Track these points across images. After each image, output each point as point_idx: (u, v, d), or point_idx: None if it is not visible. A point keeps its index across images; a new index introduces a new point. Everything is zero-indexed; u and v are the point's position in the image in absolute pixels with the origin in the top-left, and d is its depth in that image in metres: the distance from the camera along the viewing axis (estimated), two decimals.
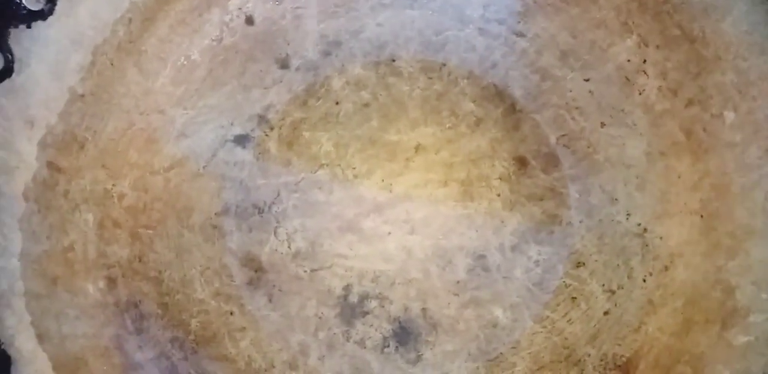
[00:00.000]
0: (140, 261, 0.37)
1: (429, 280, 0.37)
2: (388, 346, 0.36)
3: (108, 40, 0.36)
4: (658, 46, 0.36)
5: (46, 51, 0.35)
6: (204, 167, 0.37)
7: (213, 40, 0.38)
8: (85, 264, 0.37)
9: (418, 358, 0.37)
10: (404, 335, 0.37)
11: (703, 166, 0.36)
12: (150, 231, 0.37)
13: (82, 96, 0.36)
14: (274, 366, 0.37)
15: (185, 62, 0.37)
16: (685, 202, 0.36)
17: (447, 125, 0.37)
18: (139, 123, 0.37)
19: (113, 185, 0.37)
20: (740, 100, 0.36)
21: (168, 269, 0.37)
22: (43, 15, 0.35)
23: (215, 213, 0.37)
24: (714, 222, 0.36)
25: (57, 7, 0.35)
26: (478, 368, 0.37)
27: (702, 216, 0.36)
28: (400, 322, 0.36)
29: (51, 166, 0.36)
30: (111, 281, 0.37)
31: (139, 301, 0.37)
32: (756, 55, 0.35)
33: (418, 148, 0.37)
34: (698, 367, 0.35)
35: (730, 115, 0.36)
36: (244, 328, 0.37)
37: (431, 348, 0.37)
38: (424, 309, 0.37)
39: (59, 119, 0.36)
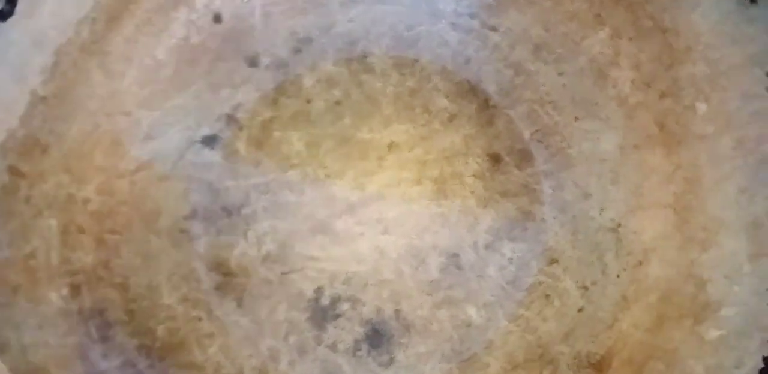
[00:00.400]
0: (105, 267, 0.37)
1: (402, 281, 0.36)
2: (361, 349, 0.36)
3: (71, 41, 0.36)
4: (630, 38, 0.36)
5: (7, 53, 0.35)
6: (171, 169, 0.37)
7: (180, 39, 0.37)
8: (47, 272, 0.36)
9: (391, 361, 0.36)
10: (377, 337, 0.36)
11: (676, 158, 0.36)
12: (116, 237, 0.37)
13: (45, 98, 0.36)
14: (243, 373, 0.37)
15: (151, 62, 0.37)
16: (658, 196, 0.36)
17: (420, 122, 0.37)
18: (104, 125, 0.36)
19: (78, 189, 0.36)
20: (712, 91, 0.36)
21: (134, 275, 0.37)
22: (2, 16, 0.35)
23: (183, 217, 0.37)
24: (687, 215, 0.36)
25: (17, 8, 0.35)
26: (451, 369, 0.36)
27: (675, 209, 0.36)
28: (372, 324, 0.36)
29: (12, 170, 0.35)
30: (75, 288, 0.36)
31: (104, 309, 0.36)
32: (726, 46, 0.35)
33: (391, 146, 0.37)
34: (671, 363, 0.35)
35: (701, 107, 0.36)
36: (213, 334, 0.37)
37: (404, 350, 0.36)
38: (397, 311, 0.36)
39: (20, 123, 0.35)
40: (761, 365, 0.34)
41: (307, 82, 0.37)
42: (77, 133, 0.36)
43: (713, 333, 0.35)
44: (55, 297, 0.36)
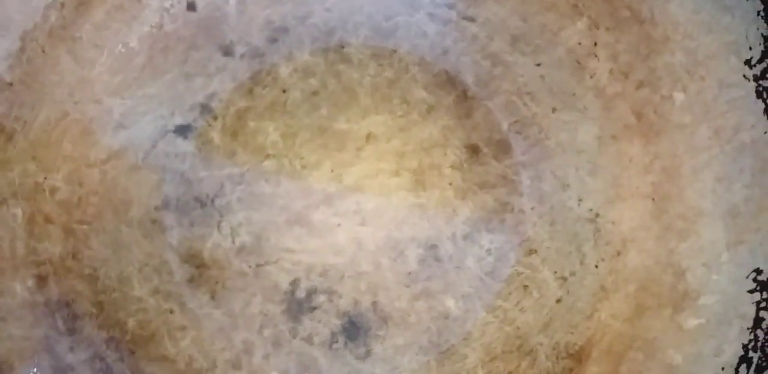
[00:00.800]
0: (74, 258, 0.36)
1: (380, 272, 0.36)
2: (337, 342, 0.35)
3: (38, 26, 0.35)
4: (608, 28, 0.36)
5: None
6: (143, 159, 0.36)
7: (153, 27, 0.36)
8: (12, 262, 0.35)
9: (368, 353, 0.36)
10: (353, 330, 0.36)
11: (654, 148, 0.36)
12: (85, 227, 0.36)
13: (10, 84, 0.35)
14: (216, 366, 0.36)
15: (123, 50, 0.36)
16: (636, 186, 0.36)
17: (398, 113, 0.37)
18: (73, 113, 0.36)
19: (45, 178, 0.35)
20: (689, 81, 0.36)
21: (104, 266, 0.36)
22: None
23: (155, 208, 0.36)
24: (665, 205, 0.36)
25: None
26: (428, 361, 0.36)
27: (653, 199, 0.36)
28: (349, 317, 0.35)
29: None
30: (41, 279, 0.35)
31: (72, 300, 0.35)
32: (703, 35, 0.35)
33: (368, 137, 0.37)
34: (650, 353, 0.35)
35: (679, 96, 0.36)
36: (185, 327, 0.36)
37: (381, 343, 0.36)
38: (374, 303, 0.36)
39: None
40: (741, 352, 0.35)
41: (283, 71, 0.37)
42: (44, 121, 0.35)
43: (692, 322, 0.35)
44: (20, 288, 0.35)
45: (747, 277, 0.35)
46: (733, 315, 0.35)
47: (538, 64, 0.37)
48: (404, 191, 0.36)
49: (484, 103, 0.37)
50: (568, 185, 0.36)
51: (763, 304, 0.35)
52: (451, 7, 0.37)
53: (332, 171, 0.36)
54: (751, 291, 0.35)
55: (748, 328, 0.35)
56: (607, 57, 0.36)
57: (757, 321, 0.35)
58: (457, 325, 0.36)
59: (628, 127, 0.36)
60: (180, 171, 0.36)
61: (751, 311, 0.35)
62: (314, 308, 0.36)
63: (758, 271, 0.35)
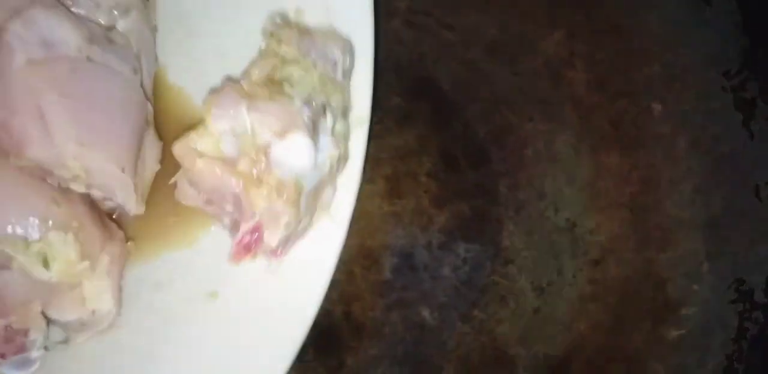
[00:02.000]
0: None
1: (353, 282, 0.35)
2: (307, 354, 0.34)
3: None
4: (586, 39, 0.36)
5: None
6: None
7: None
8: None
9: (340, 366, 0.34)
10: (325, 341, 0.34)
11: (631, 159, 0.36)
12: None
13: None
14: None
15: None
16: (614, 196, 0.36)
17: (373, 120, 0.36)
18: None
19: None
20: (667, 92, 0.36)
21: None
22: None
23: None
24: (644, 215, 0.36)
25: None
26: (403, 373, 0.35)
27: (631, 209, 0.36)
28: (320, 327, 0.34)
29: None
30: None
31: None
32: (682, 46, 0.36)
33: None
34: (632, 364, 0.35)
35: (657, 107, 0.36)
36: None
37: (354, 355, 0.35)
38: (347, 313, 0.35)
39: None
40: (725, 363, 0.35)
41: None
42: None
43: (674, 333, 0.35)
44: None
45: (729, 288, 0.35)
46: (716, 326, 0.35)
47: (515, 74, 0.37)
48: (379, 198, 0.36)
49: (460, 111, 0.36)
50: (544, 194, 0.36)
51: (747, 314, 0.35)
52: (428, 14, 0.36)
53: None
54: (733, 302, 0.35)
55: (731, 339, 0.35)
56: (584, 67, 0.36)
57: (741, 332, 0.35)
58: (432, 336, 0.35)
59: (605, 137, 0.36)
60: None
61: (734, 321, 0.35)
62: None
63: (740, 281, 0.35)
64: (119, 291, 0.28)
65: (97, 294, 0.27)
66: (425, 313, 0.35)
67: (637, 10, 0.36)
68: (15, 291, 0.26)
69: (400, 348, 0.34)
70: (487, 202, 0.36)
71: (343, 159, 0.29)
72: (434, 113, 0.36)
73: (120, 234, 0.28)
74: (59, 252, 0.26)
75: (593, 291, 0.35)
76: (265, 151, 0.26)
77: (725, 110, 0.36)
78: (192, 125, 0.27)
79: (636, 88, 0.36)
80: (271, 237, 0.27)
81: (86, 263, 0.26)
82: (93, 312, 0.27)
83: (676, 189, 0.36)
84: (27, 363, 0.27)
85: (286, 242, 0.28)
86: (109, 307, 0.27)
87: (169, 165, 0.29)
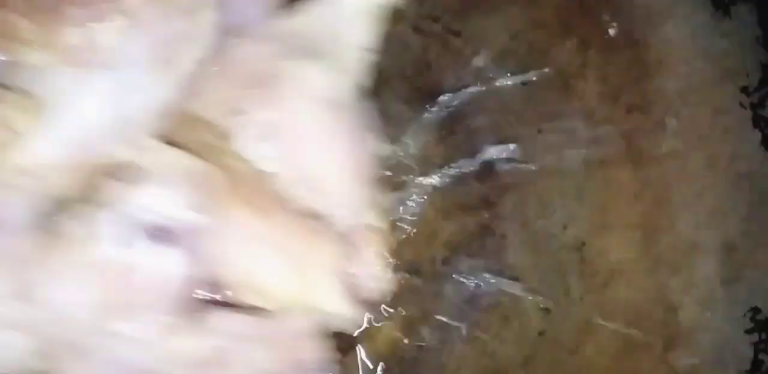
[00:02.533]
0: None
1: None
2: None
3: None
4: (598, 50, 0.36)
5: None
6: None
7: None
8: None
9: None
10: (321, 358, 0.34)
11: (644, 175, 0.35)
12: None
13: None
14: None
15: None
16: (625, 214, 0.35)
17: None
18: None
19: None
20: (682, 107, 0.35)
21: None
22: None
23: None
24: (656, 235, 0.35)
25: None
26: None
27: (643, 229, 0.35)
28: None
29: None
30: None
31: None
32: (699, 60, 0.35)
33: None
34: None
35: (672, 122, 0.35)
36: None
37: None
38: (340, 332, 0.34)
39: None
40: None
41: None
42: None
43: (685, 362, 0.34)
44: None
45: (744, 316, 0.34)
46: (729, 356, 0.34)
47: (525, 83, 0.36)
48: (382, 210, 0.35)
49: (466, 120, 0.35)
50: (552, 210, 0.35)
51: (762, 346, 0.34)
52: (436, 20, 0.36)
53: None
54: (748, 332, 0.34)
55: (745, 371, 0.34)
56: (596, 79, 0.36)
57: (756, 365, 0.34)
58: (431, 357, 0.34)
59: (617, 152, 0.35)
60: None
61: (749, 352, 0.34)
62: None
63: (756, 310, 0.34)
64: None
65: None
66: (425, 332, 0.34)
67: (654, 20, 0.36)
68: None
69: (396, 370, 0.34)
70: (493, 217, 0.35)
71: None
72: (439, 122, 0.36)
73: None
74: None
75: (601, 315, 0.34)
76: None
77: (743, 127, 0.35)
78: None
79: (650, 101, 0.35)
80: None
81: None
82: None
83: (690, 209, 0.35)
84: None
85: None
86: None
87: None
